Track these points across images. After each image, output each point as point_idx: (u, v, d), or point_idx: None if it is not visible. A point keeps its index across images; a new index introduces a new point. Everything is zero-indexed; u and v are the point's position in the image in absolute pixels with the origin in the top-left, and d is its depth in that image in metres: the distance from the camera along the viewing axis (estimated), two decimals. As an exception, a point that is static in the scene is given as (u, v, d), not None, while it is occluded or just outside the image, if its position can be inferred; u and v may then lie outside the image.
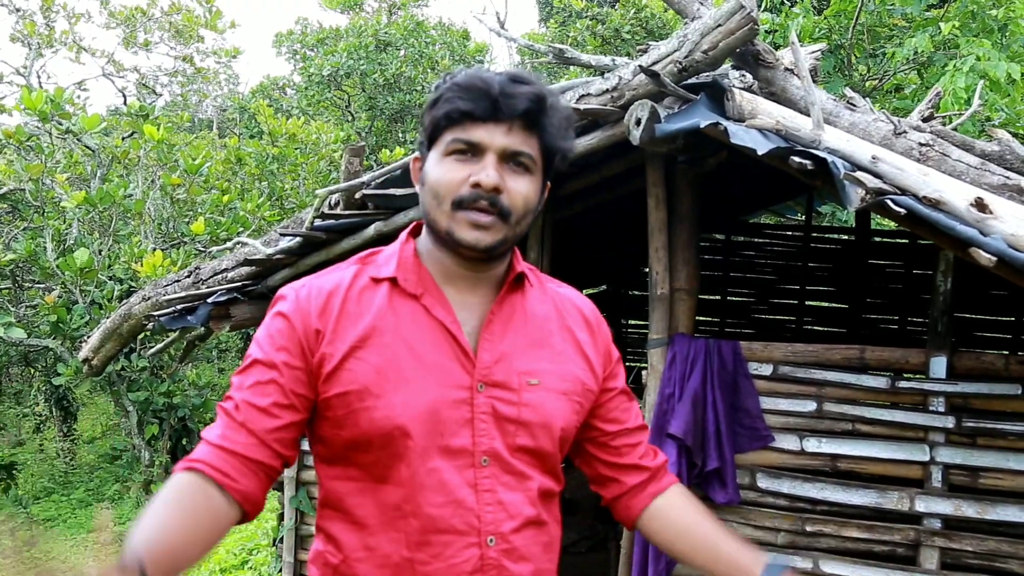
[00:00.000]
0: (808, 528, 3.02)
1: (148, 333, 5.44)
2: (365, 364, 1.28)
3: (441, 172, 1.29)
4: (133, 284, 6.80)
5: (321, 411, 1.32)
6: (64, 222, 7.00)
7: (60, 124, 6.36)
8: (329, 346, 1.29)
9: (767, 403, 3.06)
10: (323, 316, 1.31)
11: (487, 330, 1.35)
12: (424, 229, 1.40)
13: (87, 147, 7.23)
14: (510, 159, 1.29)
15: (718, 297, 6.53)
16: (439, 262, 1.37)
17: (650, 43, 2.98)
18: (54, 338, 6.79)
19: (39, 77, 8.99)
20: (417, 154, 1.40)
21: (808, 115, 2.54)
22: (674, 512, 1.50)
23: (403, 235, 1.42)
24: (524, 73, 1.32)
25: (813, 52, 3.30)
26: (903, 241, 6.01)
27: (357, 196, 3.36)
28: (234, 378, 1.34)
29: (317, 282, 1.35)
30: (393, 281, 1.35)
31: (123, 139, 7.45)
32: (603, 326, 1.52)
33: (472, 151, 1.28)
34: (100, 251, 6.88)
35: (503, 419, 1.32)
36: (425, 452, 1.28)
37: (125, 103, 9.34)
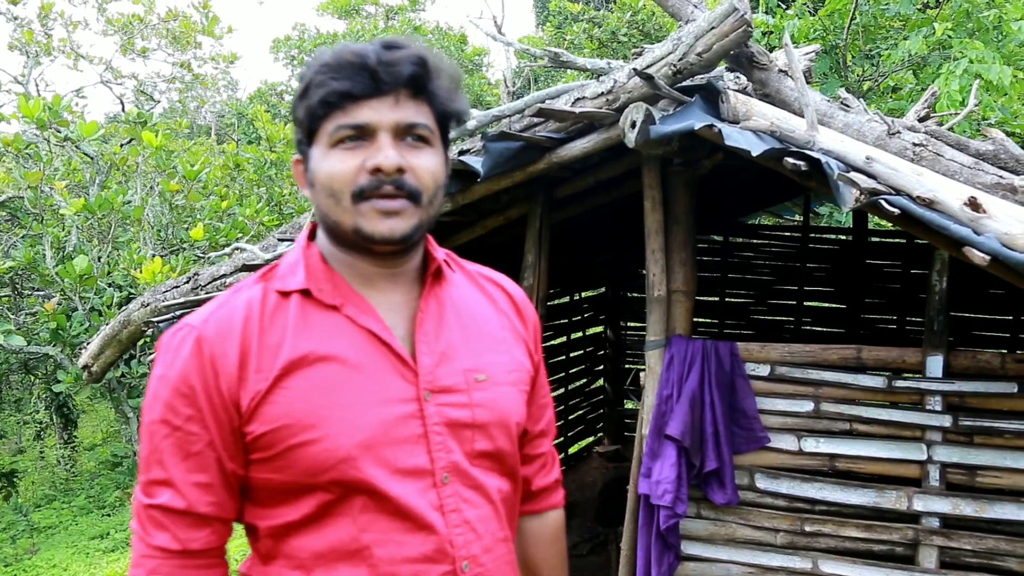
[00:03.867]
0: (807, 528, 3.03)
1: (148, 339, 5.45)
2: (293, 394, 1.12)
3: (331, 166, 1.13)
4: (132, 291, 6.81)
5: (250, 454, 1.15)
6: (63, 229, 7.01)
7: (58, 132, 6.37)
8: (251, 383, 1.13)
9: (765, 403, 3.06)
10: (241, 351, 1.14)
11: (420, 331, 1.21)
12: (322, 234, 1.24)
13: (85, 154, 7.24)
14: (405, 134, 1.14)
15: (717, 298, 6.54)
16: (351, 265, 1.21)
17: (645, 46, 2.99)
18: (54, 345, 6.80)
19: (37, 85, 9.00)
20: (297, 155, 1.23)
21: (802, 116, 2.56)
22: (532, 545, 1.44)
23: (301, 239, 1.26)
24: (397, 38, 1.17)
25: (807, 53, 3.31)
26: (900, 241, 6.02)
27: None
28: (148, 447, 1.15)
29: (223, 313, 1.17)
30: (305, 293, 1.19)
31: (121, 146, 7.47)
32: (531, 309, 1.41)
33: (361, 135, 1.13)
34: (99, 258, 6.89)
35: (458, 426, 1.20)
36: (380, 480, 1.13)
37: (123, 110, 9.36)
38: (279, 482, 1.14)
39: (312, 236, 1.26)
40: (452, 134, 1.26)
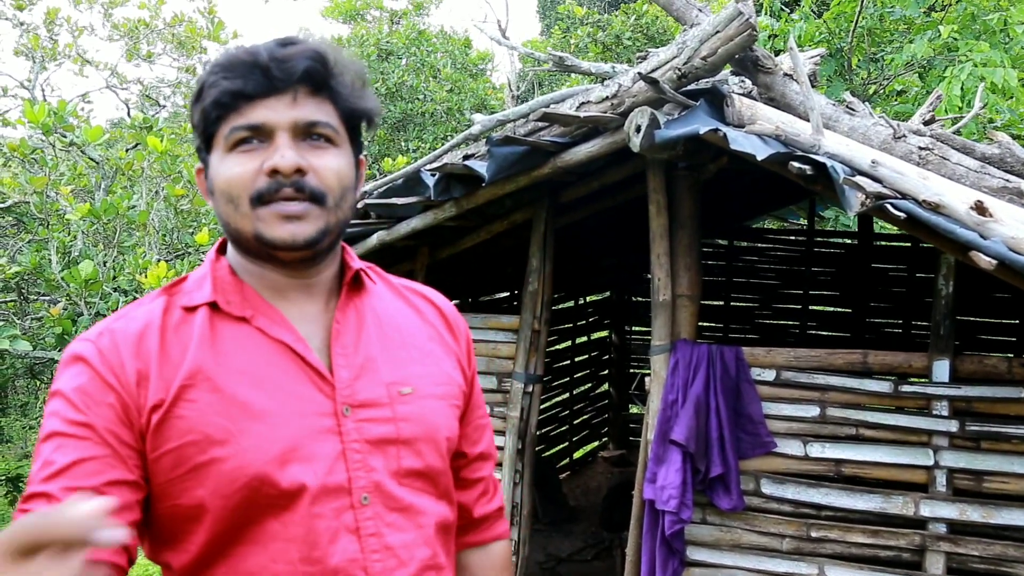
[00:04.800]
0: (813, 534, 3.01)
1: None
2: (200, 407, 1.04)
3: (228, 170, 1.07)
4: (138, 295, 6.82)
5: (152, 478, 1.05)
6: (69, 234, 7.02)
7: (64, 137, 6.39)
8: (152, 395, 1.04)
9: (770, 408, 3.05)
10: (139, 360, 1.06)
11: (337, 342, 1.14)
12: (231, 247, 1.17)
13: (91, 159, 7.26)
14: (305, 133, 1.08)
15: (721, 303, 6.53)
16: (261, 277, 1.14)
17: (650, 50, 2.99)
18: (59, 350, 6.80)
19: (43, 90, 9.03)
20: (199, 164, 1.16)
21: (807, 120, 2.55)
22: None
23: (210, 254, 1.19)
24: (294, 36, 1.11)
25: (812, 57, 3.31)
26: (906, 245, 6.01)
27: (360, 205, 3.37)
28: (35, 466, 1.03)
29: (119, 325, 1.10)
30: (213, 306, 1.11)
31: (127, 151, 7.48)
32: (463, 323, 1.33)
33: (258, 136, 1.06)
34: (105, 263, 6.90)
35: (380, 442, 1.12)
36: (293, 500, 1.05)
37: (129, 115, 9.38)
38: (186, 507, 1.05)
39: (222, 250, 1.19)
40: (364, 136, 1.18)
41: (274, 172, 1.05)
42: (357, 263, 1.21)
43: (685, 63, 2.67)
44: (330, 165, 1.08)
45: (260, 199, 1.06)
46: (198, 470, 1.03)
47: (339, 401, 1.10)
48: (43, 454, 1.03)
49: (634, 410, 7.24)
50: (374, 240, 3.43)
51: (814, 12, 6.85)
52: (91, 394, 1.04)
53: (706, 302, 6.11)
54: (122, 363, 1.05)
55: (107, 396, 1.04)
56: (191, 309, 1.11)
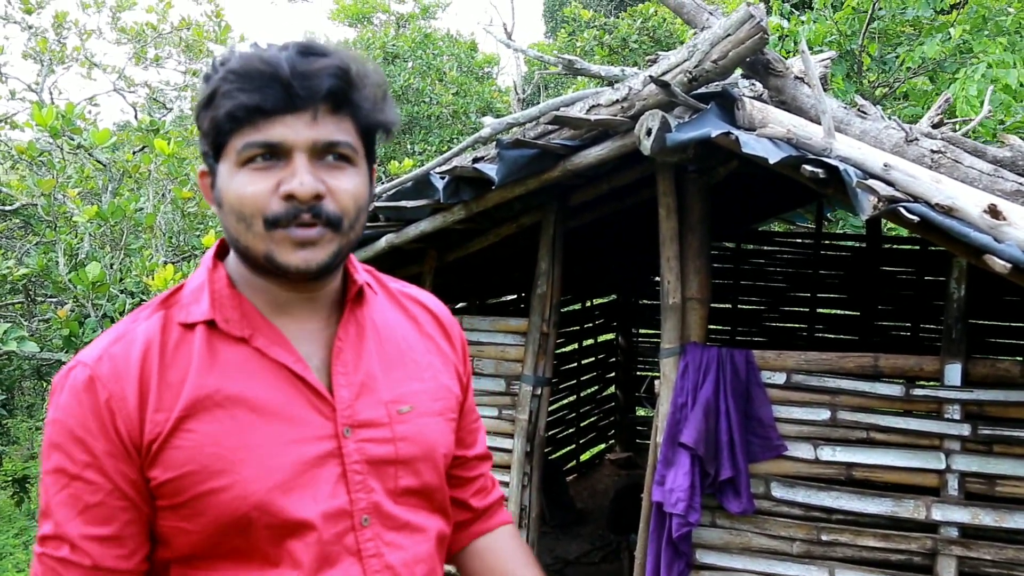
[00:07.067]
0: (823, 537, 3.00)
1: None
2: (198, 437, 1.02)
3: (240, 187, 1.02)
4: (145, 297, 6.82)
5: (156, 500, 1.05)
6: (76, 236, 7.03)
7: (71, 139, 6.41)
8: (152, 426, 1.02)
9: (781, 412, 3.04)
10: (140, 389, 1.03)
11: (338, 361, 1.11)
12: (233, 255, 1.12)
13: (98, 162, 7.27)
14: (324, 153, 1.03)
15: (729, 305, 6.52)
16: (262, 290, 1.10)
17: (659, 53, 2.99)
18: (66, 352, 6.81)
19: (51, 93, 9.05)
20: (203, 167, 1.10)
21: (819, 123, 2.54)
22: (494, 556, 1.33)
23: (208, 259, 1.13)
24: (315, 43, 1.05)
25: (823, 60, 3.30)
26: (914, 248, 6.00)
27: (369, 208, 3.37)
28: (44, 503, 1.05)
29: (118, 349, 1.05)
30: (211, 324, 1.08)
31: (134, 154, 7.50)
32: (457, 328, 1.31)
33: (273, 154, 1.01)
34: (112, 265, 6.91)
35: (379, 463, 1.10)
36: (296, 528, 1.04)
37: (136, 118, 9.40)
38: (188, 532, 1.04)
39: (219, 254, 1.14)
40: (379, 147, 1.15)
41: (291, 196, 1.00)
42: (361, 276, 1.18)
43: (696, 66, 2.67)
44: (347, 188, 1.04)
45: (276, 223, 1.01)
46: (198, 500, 1.02)
47: (340, 422, 1.09)
48: (51, 491, 1.03)
49: (641, 412, 7.23)
50: (383, 243, 3.43)
51: (830, 12, 6.80)
52: (93, 430, 1.02)
53: (713, 305, 6.12)
54: (122, 394, 1.02)
55: (110, 431, 1.02)
56: (189, 327, 1.07)
